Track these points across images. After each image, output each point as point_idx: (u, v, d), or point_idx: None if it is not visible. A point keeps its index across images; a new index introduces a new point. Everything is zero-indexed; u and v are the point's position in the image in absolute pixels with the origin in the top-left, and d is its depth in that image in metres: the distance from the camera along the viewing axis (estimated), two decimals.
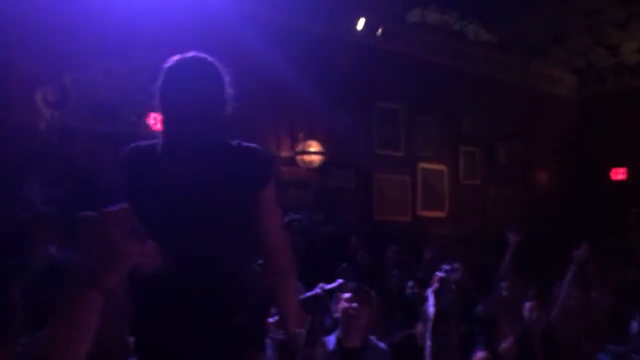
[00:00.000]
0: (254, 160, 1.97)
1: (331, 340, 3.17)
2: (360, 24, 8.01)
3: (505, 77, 9.88)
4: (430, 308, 3.21)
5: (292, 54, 7.23)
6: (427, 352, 3.19)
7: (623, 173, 10.47)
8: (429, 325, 3.20)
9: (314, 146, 7.79)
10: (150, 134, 6.80)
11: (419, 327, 3.78)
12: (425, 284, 3.74)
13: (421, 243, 7.68)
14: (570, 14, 8.62)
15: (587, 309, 4.13)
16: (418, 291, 4.98)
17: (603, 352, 3.75)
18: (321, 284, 2.99)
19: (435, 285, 3.22)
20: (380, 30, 8.21)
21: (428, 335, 3.18)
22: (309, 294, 3.00)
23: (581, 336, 3.85)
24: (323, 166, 7.90)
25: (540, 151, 10.28)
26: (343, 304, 3.15)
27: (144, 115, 6.81)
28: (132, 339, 1.88)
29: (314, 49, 7.66)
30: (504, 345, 3.82)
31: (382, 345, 3.24)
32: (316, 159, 7.82)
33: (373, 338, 3.24)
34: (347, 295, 3.16)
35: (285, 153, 7.81)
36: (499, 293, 5.05)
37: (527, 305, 4.14)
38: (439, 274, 3.23)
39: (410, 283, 5.33)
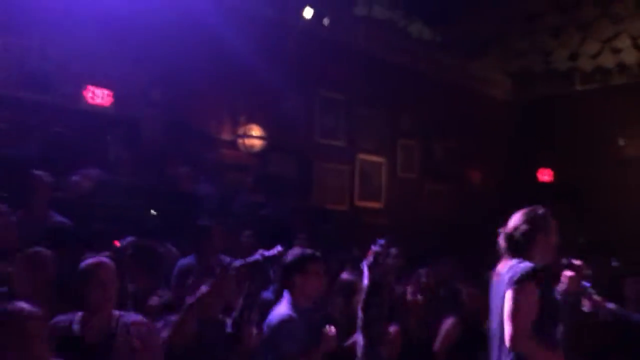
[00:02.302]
0: None
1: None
2: (308, 12, 8.07)
3: (445, 76, 10.18)
4: (364, 280, 3.30)
5: (240, 36, 7.21)
6: (359, 323, 3.29)
7: (549, 174, 11.01)
8: (362, 297, 3.29)
9: (256, 130, 7.81)
10: (87, 107, 6.69)
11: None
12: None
13: (357, 231, 7.84)
14: (510, 18, 8.98)
15: None
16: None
17: None
18: (261, 251, 3.04)
19: (370, 258, 3.32)
20: (326, 20, 8.30)
21: (360, 307, 3.28)
22: (248, 259, 3.05)
23: None
24: (264, 151, 7.93)
25: (475, 150, 10.66)
26: None
27: (82, 87, 6.64)
28: None
29: (262, 32, 7.67)
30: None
31: None
32: (257, 143, 7.84)
33: None
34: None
35: (226, 136, 7.79)
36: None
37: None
38: (374, 247, 3.33)
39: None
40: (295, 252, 3.57)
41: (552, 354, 2.88)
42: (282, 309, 3.44)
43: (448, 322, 4.54)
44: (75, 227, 4.60)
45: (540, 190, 10.68)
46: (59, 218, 4.61)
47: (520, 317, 2.79)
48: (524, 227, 3.03)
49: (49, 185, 4.70)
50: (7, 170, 4.89)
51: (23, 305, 2.30)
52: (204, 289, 3.08)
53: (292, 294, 3.49)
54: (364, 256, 3.41)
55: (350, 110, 9.08)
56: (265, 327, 3.35)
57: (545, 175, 11.02)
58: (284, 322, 3.35)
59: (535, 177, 11.02)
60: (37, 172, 4.65)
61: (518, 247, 3.02)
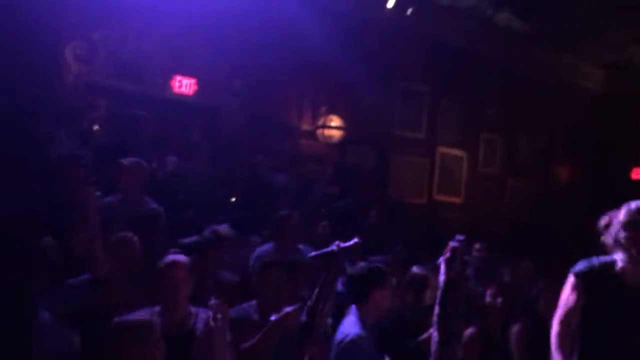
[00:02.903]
0: None
1: None
2: (391, 2, 7.95)
3: (534, 68, 9.75)
4: (441, 276, 3.21)
5: (322, 28, 7.21)
6: (434, 319, 3.20)
7: None
8: (438, 293, 3.21)
9: (335, 121, 7.81)
10: (173, 97, 6.91)
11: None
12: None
13: (436, 226, 7.70)
14: (605, 8, 8.48)
15: None
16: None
17: None
18: (337, 242, 3.01)
19: (447, 254, 3.22)
20: (410, 10, 8.15)
21: (437, 302, 3.20)
22: (324, 250, 3.03)
23: None
24: (342, 142, 7.92)
25: (562, 145, 10.18)
26: None
27: (169, 77, 6.89)
28: None
29: (343, 24, 7.64)
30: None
31: None
32: (336, 134, 7.84)
33: None
34: None
35: (306, 126, 7.84)
36: (500, 278, 5.19)
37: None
38: (452, 243, 3.22)
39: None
40: (372, 264, 3.51)
41: None
42: (352, 327, 3.28)
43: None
44: (167, 214, 4.66)
45: (635, 189, 10.05)
46: (153, 205, 4.60)
47: None
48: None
49: (143, 171, 4.78)
50: (104, 157, 5.05)
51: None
52: (288, 310, 3.12)
53: (362, 308, 3.35)
54: (439, 254, 3.32)
55: (432, 102, 8.90)
56: (334, 343, 3.27)
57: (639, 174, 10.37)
58: (354, 343, 3.20)
59: (628, 176, 10.39)
60: (132, 159, 4.75)
61: None
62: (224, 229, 4.38)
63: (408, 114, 8.72)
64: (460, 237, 3.27)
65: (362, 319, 3.33)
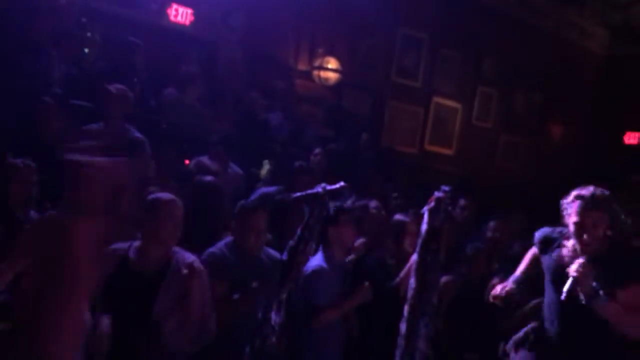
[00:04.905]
0: None
1: None
2: None
3: (537, 22, 9.56)
4: (423, 225, 3.24)
5: None
6: (414, 266, 3.25)
7: (636, 138, 10.34)
8: (419, 241, 3.24)
9: (332, 63, 7.69)
10: (170, 25, 6.74)
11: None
12: None
13: (425, 176, 7.72)
14: None
15: None
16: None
17: None
18: (323, 184, 3.02)
19: (431, 204, 3.24)
20: None
21: (417, 250, 3.24)
22: (309, 191, 3.04)
23: None
24: (338, 85, 7.83)
25: (559, 104, 10.11)
26: None
27: (166, 5, 6.71)
28: None
29: None
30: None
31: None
32: (332, 76, 7.73)
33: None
34: None
35: (302, 66, 7.72)
36: (484, 233, 5.25)
37: None
38: (437, 193, 3.24)
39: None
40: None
41: None
42: (315, 261, 3.52)
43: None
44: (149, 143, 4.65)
45: (625, 153, 10.08)
46: (136, 134, 4.64)
47: None
48: None
49: (127, 99, 4.76)
50: (95, 83, 4.98)
51: None
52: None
53: (326, 246, 3.60)
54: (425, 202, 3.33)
55: (432, 51, 8.75)
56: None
57: (632, 138, 10.35)
58: (315, 273, 3.46)
59: (621, 140, 10.39)
60: (117, 86, 4.70)
61: None
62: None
63: (407, 61, 8.59)
64: (446, 188, 3.29)
65: (326, 254, 3.61)
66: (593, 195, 2.92)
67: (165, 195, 3.00)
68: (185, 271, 2.80)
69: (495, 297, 3.26)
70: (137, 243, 2.95)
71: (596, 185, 3.04)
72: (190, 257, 2.95)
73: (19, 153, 3.49)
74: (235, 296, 3.17)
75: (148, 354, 2.79)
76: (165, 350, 2.79)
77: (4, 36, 4.81)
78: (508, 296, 3.23)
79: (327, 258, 3.61)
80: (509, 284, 3.27)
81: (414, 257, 3.25)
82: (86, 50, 5.71)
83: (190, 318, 2.81)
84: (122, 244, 2.93)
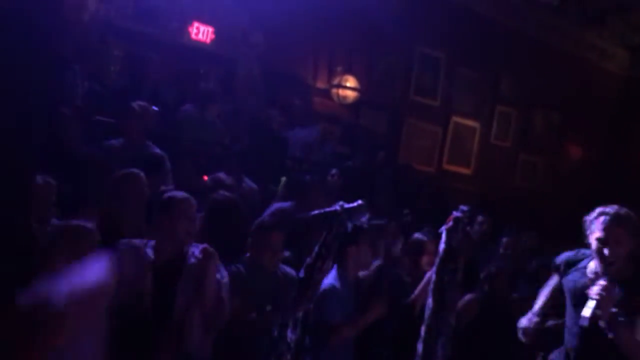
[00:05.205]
0: None
1: None
2: None
3: (556, 43, 9.55)
4: (441, 245, 3.23)
5: None
6: (432, 286, 3.24)
7: None
8: (437, 260, 3.23)
9: (351, 82, 7.72)
10: (191, 43, 6.82)
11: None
12: None
13: (443, 195, 7.68)
14: None
15: None
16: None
17: None
18: (341, 202, 3.03)
19: (449, 223, 3.24)
20: None
21: (434, 270, 3.23)
22: (328, 209, 3.05)
23: None
24: (356, 103, 7.86)
25: (578, 124, 10.04)
26: None
27: (187, 23, 6.81)
28: None
29: None
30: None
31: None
32: (351, 95, 7.76)
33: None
34: None
35: (321, 84, 7.76)
36: (498, 250, 5.25)
37: None
38: (455, 213, 3.24)
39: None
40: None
41: None
42: (329, 279, 3.50)
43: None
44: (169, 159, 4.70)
45: None
46: (156, 150, 4.69)
47: None
48: None
49: (149, 116, 4.82)
50: (117, 100, 5.05)
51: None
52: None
53: (341, 265, 3.58)
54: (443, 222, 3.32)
55: (450, 70, 8.76)
56: None
57: None
58: (326, 292, 3.43)
59: (638, 160, 10.27)
60: (142, 103, 4.77)
61: None
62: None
63: (425, 80, 8.61)
64: (464, 208, 3.28)
65: (340, 273, 3.59)
66: (617, 213, 2.86)
67: (180, 194, 3.00)
68: (199, 255, 2.78)
69: (525, 334, 3.16)
70: (152, 242, 2.92)
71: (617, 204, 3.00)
72: (201, 245, 2.94)
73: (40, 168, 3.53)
74: (251, 316, 3.16)
75: (167, 356, 2.75)
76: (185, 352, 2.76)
77: (29, 52, 4.90)
78: (537, 334, 3.15)
79: (340, 276, 3.60)
80: (534, 317, 3.16)
81: (430, 274, 3.24)
82: (112, 68, 5.80)
83: (207, 301, 2.78)
84: (139, 241, 2.92)
